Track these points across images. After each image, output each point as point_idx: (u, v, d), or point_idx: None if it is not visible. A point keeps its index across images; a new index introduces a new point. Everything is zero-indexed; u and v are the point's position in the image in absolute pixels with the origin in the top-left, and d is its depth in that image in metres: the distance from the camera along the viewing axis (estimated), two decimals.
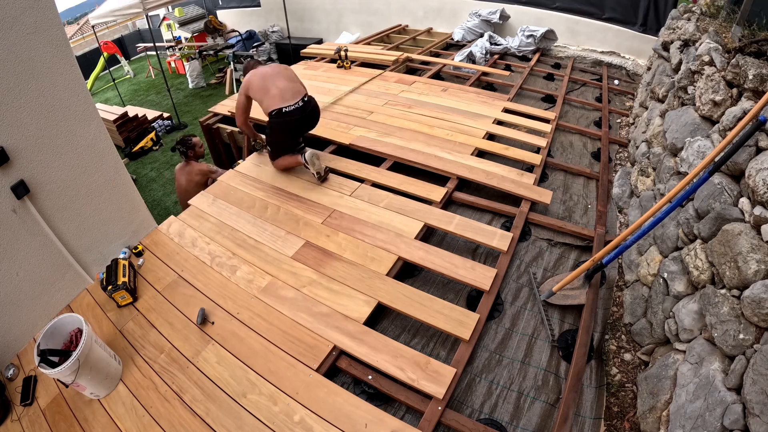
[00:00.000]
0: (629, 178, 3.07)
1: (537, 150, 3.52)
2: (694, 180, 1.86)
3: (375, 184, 3.05)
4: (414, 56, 5.74)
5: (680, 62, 2.78)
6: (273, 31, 9.78)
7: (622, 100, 4.82)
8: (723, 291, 1.54)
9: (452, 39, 6.82)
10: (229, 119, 4.49)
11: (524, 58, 6.00)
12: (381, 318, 2.21)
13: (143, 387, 1.94)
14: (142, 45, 11.94)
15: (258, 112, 3.26)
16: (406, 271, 2.46)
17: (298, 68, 5.48)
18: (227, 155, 4.62)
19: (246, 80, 3.03)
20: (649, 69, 3.93)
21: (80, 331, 1.84)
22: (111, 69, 9.77)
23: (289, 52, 8.39)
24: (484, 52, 5.71)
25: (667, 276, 1.91)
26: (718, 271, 1.57)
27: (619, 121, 4.25)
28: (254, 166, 3.31)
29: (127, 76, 10.61)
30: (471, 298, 2.30)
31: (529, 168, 3.27)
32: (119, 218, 2.67)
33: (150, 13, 8.28)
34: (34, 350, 1.76)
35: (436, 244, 2.56)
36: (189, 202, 3.01)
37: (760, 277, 1.39)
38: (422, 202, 2.85)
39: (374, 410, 1.75)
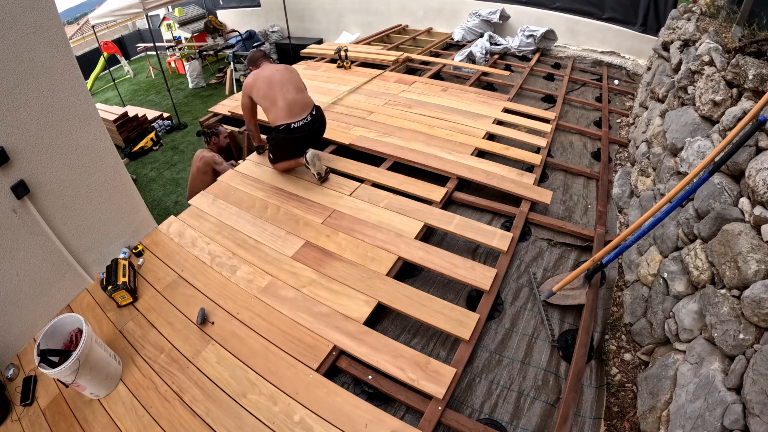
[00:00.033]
0: (629, 178, 3.07)
1: (537, 150, 3.52)
2: (694, 180, 1.86)
3: (375, 184, 3.05)
4: (414, 56, 5.74)
5: (680, 62, 2.78)
6: (273, 31, 9.78)
7: (622, 100, 4.82)
8: (723, 291, 1.54)
9: (452, 39, 6.82)
10: (229, 119, 4.49)
11: (524, 58, 6.00)
12: (381, 318, 2.21)
13: (143, 387, 1.94)
14: (142, 45, 11.94)
15: (260, 113, 3.25)
16: (406, 271, 2.46)
17: (298, 68, 5.47)
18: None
19: (250, 82, 2.98)
20: (649, 69, 3.93)
21: (80, 331, 1.84)
22: (111, 69, 9.77)
23: (289, 52, 8.39)
24: (484, 52, 5.71)
25: (667, 276, 1.91)
26: (718, 271, 1.57)
27: (619, 121, 4.25)
28: (254, 166, 3.31)
29: (127, 76, 10.61)
30: (471, 298, 2.30)
31: (529, 168, 3.27)
32: (119, 218, 2.67)
33: (150, 13, 8.27)
34: (34, 350, 1.76)
35: (436, 244, 2.56)
36: (189, 201, 3.01)
37: (760, 277, 1.39)
38: (422, 202, 2.85)
39: (374, 410, 1.75)
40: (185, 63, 9.45)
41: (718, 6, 3.06)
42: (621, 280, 2.46)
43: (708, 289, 1.61)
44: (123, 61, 10.78)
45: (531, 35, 6.00)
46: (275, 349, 2.01)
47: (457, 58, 5.67)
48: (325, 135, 3.35)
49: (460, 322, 2.05)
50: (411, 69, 5.70)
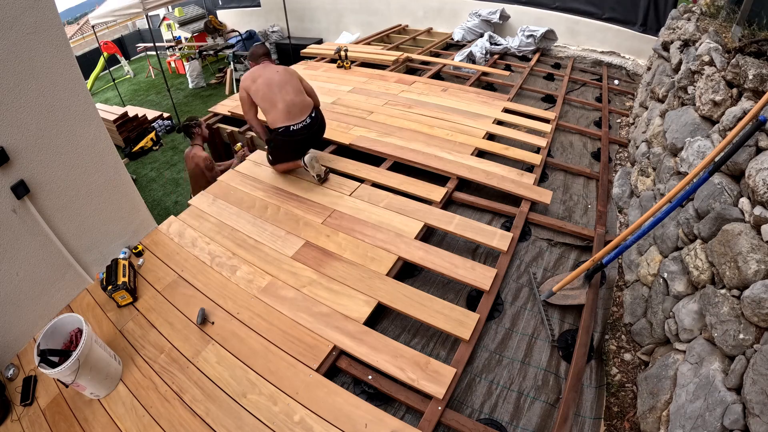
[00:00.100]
0: (629, 178, 3.07)
1: (537, 150, 3.52)
2: (694, 180, 1.86)
3: (375, 184, 3.05)
4: (414, 56, 5.75)
5: (680, 62, 2.78)
6: (273, 31, 9.78)
7: (622, 100, 4.82)
8: (723, 291, 1.54)
9: (452, 39, 6.82)
10: (229, 119, 4.49)
11: (524, 58, 6.00)
12: (381, 318, 2.21)
13: (143, 387, 1.94)
14: (142, 45, 11.94)
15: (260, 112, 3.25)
16: (406, 271, 2.46)
17: (298, 68, 5.48)
18: (227, 155, 4.62)
19: (248, 81, 2.94)
20: (649, 69, 3.93)
21: (80, 331, 1.84)
22: (111, 69, 9.77)
23: (289, 52, 8.39)
24: (484, 52, 5.71)
25: (667, 276, 1.91)
26: (718, 271, 1.57)
27: (619, 121, 4.25)
28: (254, 166, 3.31)
29: (127, 76, 10.62)
30: (471, 298, 2.30)
31: (529, 168, 3.27)
32: (119, 218, 2.67)
33: (150, 13, 8.28)
34: (34, 350, 1.76)
35: (436, 244, 2.56)
36: (189, 202, 3.01)
37: (760, 277, 1.39)
38: (422, 202, 2.85)
39: (374, 410, 1.75)
40: (185, 63, 9.45)
41: (718, 6, 3.06)
42: (621, 280, 2.46)
43: (708, 289, 1.61)
44: (123, 61, 10.79)
45: (531, 35, 6.00)
46: (275, 349, 2.01)
47: (457, 58, 5.67)
48: (325, 135, 3.35)
49: (460, 322, 2.05)
50: (411, 69, 5.70)
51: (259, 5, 9.86)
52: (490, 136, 3.69)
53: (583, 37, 6.18)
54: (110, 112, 6.83)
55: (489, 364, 1.99)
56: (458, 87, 4.69)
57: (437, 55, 6.25)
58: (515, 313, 2.23)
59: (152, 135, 6.71)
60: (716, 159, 1.75)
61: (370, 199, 2.88)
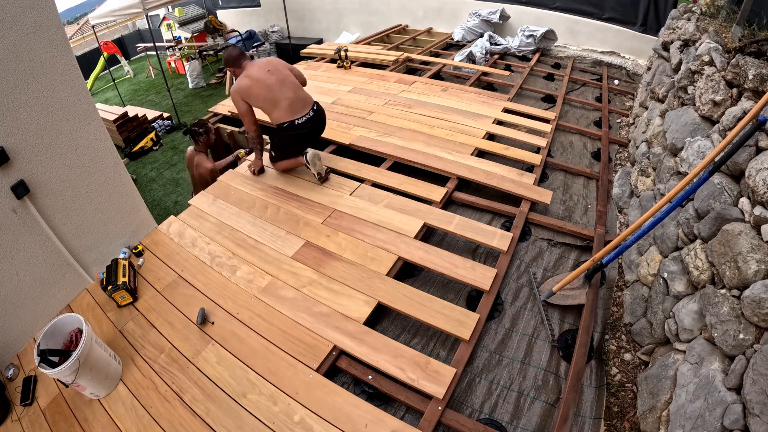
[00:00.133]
0: (629, 178, 3.07)
1: (537, 150, 3.52)
2: (694, 180, 1.86)
3: (375, 184, 3.05)
4: (414, 56, 5.75)
5: (680, 62, 2.78)
6: (273, 31, 9.78)
7: (622, 100, 4.82)
8: (723, 291, 1.54)
9: (452, 39, 6.82)
10: (229, 119, 4.49)
11: (524, 58, 6.00)
12: (381, 318, 2.21)
13: (143, 387, 1.94)
14: (142, 45, 11.94)
15: (260, 113, 3.24)
16: (406, 271, 2.46)
17: (298, 68, 5.47)
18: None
19: (244, 87, 2.81)
20: (649, 69, 3.93)
21: (80, 331, 1.84)
22: (111, 69, 9.77)
23: (289, 52, 8.39)
24: (484, 52, 5.71)
25: (667, 276, 1.91)
26: (718, 271, 1.57)
27: (619, 121, 4.25)
28: None
29: (127, 76, 10.62)
30: (471, 298, 2.30)
31: (529, 168, 3.27)
32: (119, 218, 2.67)
33: (150, 13, 8.28)
34: (34, 350, 1.76)
35: (436, 244, 2.56)
36: (189, 202, 3.01)
37: (760, 277, 1.39)
38: (422, 202, 2.85)
39: (374, 410, 1.75)
40: (185, 63, 9.45)
41: (718, 6, 3.06)
42: (621, 280, 2.46)
43: (708, 289, 1.61)
44: (123, 61, 10.79)
45: (531, 35, 6.00)
46: (275, 349, 2.01)
47: (457, 58, 5.67)
48: (325, 135, 3.35)
49: (460, 322, 2.05)
50: (411, 69, 5.70)
51: (259, 5, 9.87)
52: (490, 136, 3.69)
53: (583, 37, 6.18)
54: (110, 112, 6.83)
55: (489, 364, 1.99)
56: (458, 87, 4.69)
57: (437, 55, 6.25)
58: (515, 313, 2.23)
59: (152, 135, 6.71)
60: (716, 159, 1.75)
61: (370, 199, 2.88)
